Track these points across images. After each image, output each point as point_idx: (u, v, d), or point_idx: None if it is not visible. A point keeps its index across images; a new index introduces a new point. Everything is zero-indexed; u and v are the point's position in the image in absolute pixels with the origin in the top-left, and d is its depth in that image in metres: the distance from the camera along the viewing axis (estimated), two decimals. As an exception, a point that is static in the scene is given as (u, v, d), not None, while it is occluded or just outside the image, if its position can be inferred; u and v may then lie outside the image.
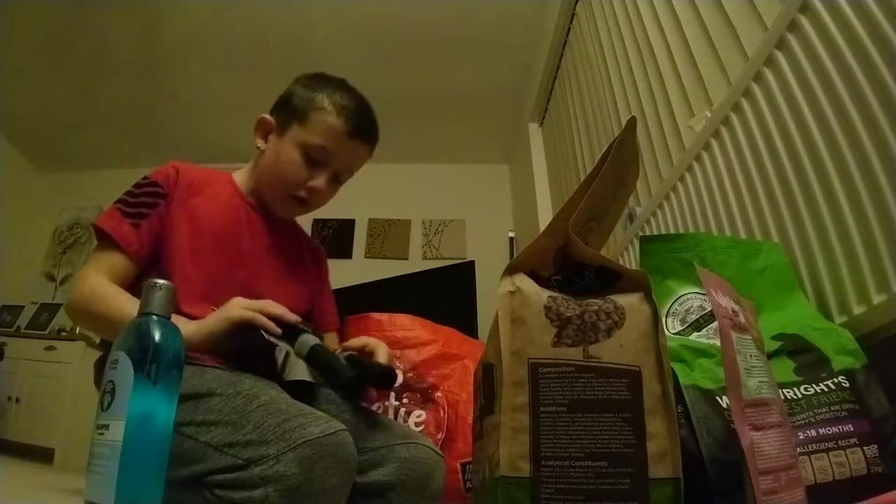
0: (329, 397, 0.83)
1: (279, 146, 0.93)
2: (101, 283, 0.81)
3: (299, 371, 0.74)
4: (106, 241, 0.84)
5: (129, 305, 0.76)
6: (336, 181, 0.97)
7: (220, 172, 1.00)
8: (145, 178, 0.89)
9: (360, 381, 0.77)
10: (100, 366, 0.86)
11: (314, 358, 0.75)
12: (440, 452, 0.82)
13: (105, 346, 0.86)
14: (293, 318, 0.79)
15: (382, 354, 0.88)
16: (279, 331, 0.77)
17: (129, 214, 0.85)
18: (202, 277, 0.85)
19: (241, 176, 1.00)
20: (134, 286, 0.85)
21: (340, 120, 0.91)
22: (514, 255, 1.78)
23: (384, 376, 0.80)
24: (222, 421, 0.64)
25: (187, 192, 0.89)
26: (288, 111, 0.93)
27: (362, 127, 0.94)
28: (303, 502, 0.59)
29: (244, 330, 0.75)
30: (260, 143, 0.96)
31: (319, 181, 0.93)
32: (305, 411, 0.64)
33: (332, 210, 4.31)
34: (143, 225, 0.85)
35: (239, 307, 0.76)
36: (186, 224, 0.87)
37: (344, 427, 0.64)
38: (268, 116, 0.96)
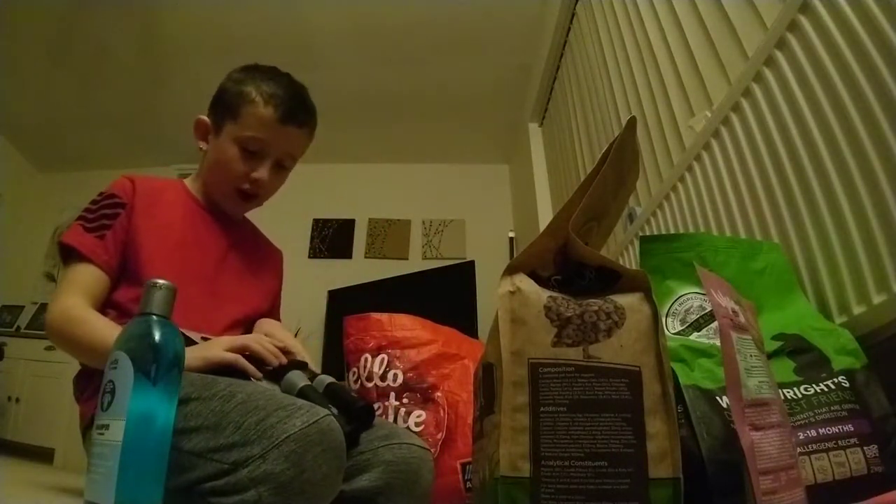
0: None
1: (217, 145, 0.95)
2: (78, 306, 0.80)
3: None
4: (74, 257, 0.84)
5: (110, 331, 0.75)
6: (281, 168, 0.98)
7: (172, 180, 1.02)
8: (101, 193, 0.90)
9: (355, 430, 0.74)
10: (79, 381, 0.86)
11: (305, 399, 0.72)
12: (425, 446, 0.81)
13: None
14: (276, 360, 0.79)
15: (295, 349, 0.87)
16: (260, 375, 0.76)
17: (92, 228, 0.85)
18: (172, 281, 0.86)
19: (191, 181, 1.02)
20: (107, 301, 0.85)
21: (269, 109, 0.91)
22: (514, 255, 1.78)
23: (365, 412, 0.77)
24: (202, 426, 0.63)
25: (146, 201, 0.90)
26: (220, 109, 0.95)
27: (293, 112, 0.94)
28: (296, 496, 0.58)
29: (226, 368, 0.75)
30: (201, 144, 0.98)
31: (261, 172, 0.94)
32: (285, 403, 0.62)
33: (332, 210, 4.31)
34: (107, 235, 0.85)
35: (221, 348, 0.77)
36: (149, 231, 0.88)
37: (327, 412, 0.63)
38: (203, 118, 0.98)
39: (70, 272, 0.84)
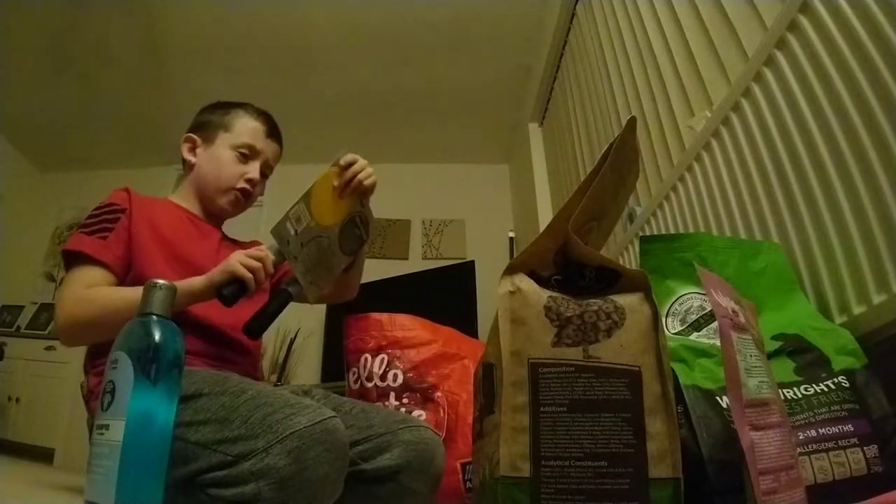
0: (327, 395, 0.87)
1: (211, 153, 1.04)
2: (84, 290, 0.81)
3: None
4: (79, 261, 0.84)
5: (128, 291, 0.79)
6: (262, 176, 1.08)
7: (159, 198, 1.07)
8: (98, 206, 0.92)
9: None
10: (89, 358, 0.86)
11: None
12: (438, 433, 0.85)
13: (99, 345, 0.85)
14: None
15: None
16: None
17: (94, 232, 0.87)
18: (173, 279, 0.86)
19: (179, 196, 1.07)
20: None
21: (259, 122, 1.06)
22: (514, 255, 1.78)
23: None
24: (210, 419, 0.65)
25: (141, 206, 0.94)
26: (211, 126, 1.05)
27: (275, 129, 1.09)
28: (296, 493, 0.59)
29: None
30: (189, 157, 1.05)
31: (254, 172, 1.05)
32: (292, 402, 0.64)
33: (331, 210, 4.26)
34: (110, 237, 0.87)
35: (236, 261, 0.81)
36: (148, 236, 0.90)
37: (333, 414, 0.64)
38: (192, 135, 1.06)
39: (76, 274, 0.84)
